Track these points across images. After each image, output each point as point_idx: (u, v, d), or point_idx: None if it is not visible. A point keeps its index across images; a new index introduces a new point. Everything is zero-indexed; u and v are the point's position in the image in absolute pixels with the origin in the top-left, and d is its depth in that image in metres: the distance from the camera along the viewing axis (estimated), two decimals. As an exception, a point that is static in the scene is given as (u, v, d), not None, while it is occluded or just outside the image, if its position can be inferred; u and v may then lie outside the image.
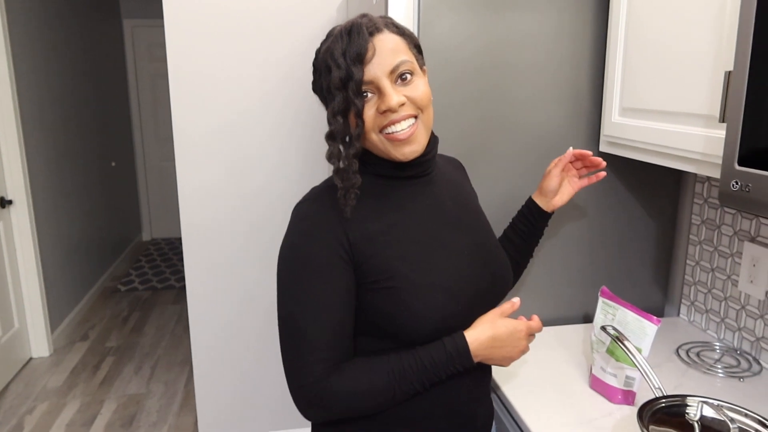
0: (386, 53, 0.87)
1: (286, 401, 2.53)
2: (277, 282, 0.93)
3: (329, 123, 0.89)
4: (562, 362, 1.34)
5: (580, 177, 1.26)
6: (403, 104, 0.88)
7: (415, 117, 0.91)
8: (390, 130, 0.89)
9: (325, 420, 0.93)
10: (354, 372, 0.89)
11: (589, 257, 1.54)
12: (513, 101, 1.42)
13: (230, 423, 2.50)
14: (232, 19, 2.18)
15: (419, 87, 0.90)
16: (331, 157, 0.90)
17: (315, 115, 2.32)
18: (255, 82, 2.24)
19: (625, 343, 1.07)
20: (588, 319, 1.58)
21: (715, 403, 0.91)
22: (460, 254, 0.96)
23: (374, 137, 0.90)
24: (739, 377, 1.27)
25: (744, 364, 1.33)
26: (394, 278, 0.89)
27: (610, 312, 1.18)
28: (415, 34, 1.36)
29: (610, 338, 1.14)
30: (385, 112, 0.88)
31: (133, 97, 5.52)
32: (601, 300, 1.21)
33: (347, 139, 0.90)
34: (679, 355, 1.37)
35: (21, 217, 3.19)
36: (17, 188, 3.15)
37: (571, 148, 1.23)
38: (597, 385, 1.21)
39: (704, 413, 0.91)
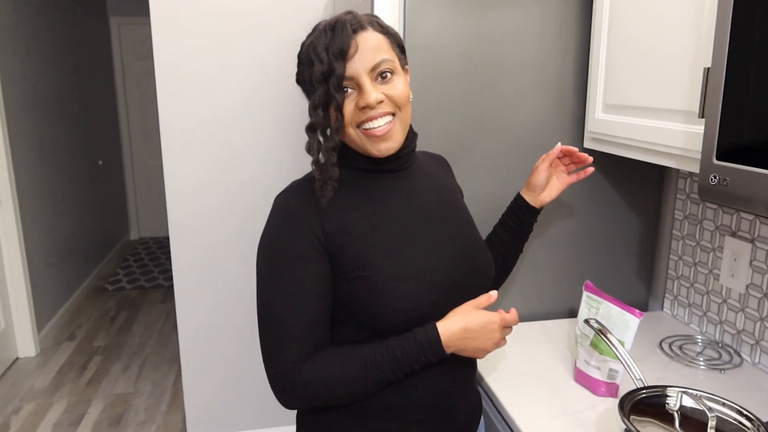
0: (368, 51, 0.89)
1: (274, 398, 2.54)
2: (256, 272, 0.95)
3: (310, 115, 0.91)
4: (547, 356, 1.36)
5: (569, 173, 1.27)
6: (381, 101, 0.90)
7: (393, 115, 0.93)
8: (367, 126, 0.91)
9: (300, 407, 0.95)
10: (327, 360, 0.91)
11: (574, 253, 1.56)
12: (499, 99, 1.44)
13: (219, 421, 2.50)
14: (219, 16, 2.18)
15: (398, 86, 0.92)
16: (310, 149, 0.92)
17: (301, 111, 2.32)
18: (242, 78, 2.24)
19: (609, 336, 1.09)
20: (573, 314, 1.60)
21: (695, 393, 0.93)
22: (435, 246, 0.98)
23: (352, 132, 0.92)
24: (721, 369, 1.29)
25: (725, 357, 1.35)
26: (368, 268, 0.91)
27: (594, 306, 1.20)
28: (401, 32, 1.37)
29: (593, 331, 1.15)
30: (363, 108, 0.90)
31: (120, 95, 5.48)
32: (585, 294, 1.23)
33: (327, 132, 0.92)
34: (662, 348, 1.39)
35: (7, 216, 3.16)
36: (3, 187, 3.12)
37: (559, 143, 1.24)
38: (581, 378, 1.22)
39: (684, 403, 0.93)
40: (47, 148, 3.75)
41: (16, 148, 3.27)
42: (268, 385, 2.51)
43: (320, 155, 0.92)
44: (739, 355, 1.35)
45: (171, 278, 4.64)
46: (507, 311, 1.00)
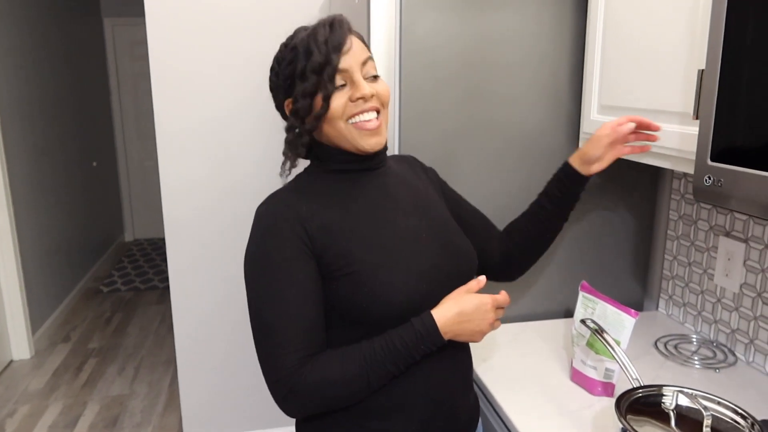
0: (359, 48, 0.96)
1: (270, 400, 2.54)
2: (245, 283, 0.96)
3: (295, 101, 0.95)
4: (544, 356, 1.36)
5: (624, 144, 1.16)
6: (373, 95, 0.95)
7: (378, 112, 0.97)
8: (358, 118, 0.95)
9: (304, 413, 0.94)
10: (326, 361, 0.91)
11: (571, 253, 1.57)
12: (494, 100, 1.44)
13: (215, 422, 2.50)
14: (214, 16, 2.18)
15: (383, 86, 0.98)
16: (289, 129, 0.98)
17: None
18: (237, 78, 2.24)
19: (604, 335, 1.10)
20: (569, 314, 1.60)
21: (690, 392, 0.94)
22: (417, 237, 0.99)
23: (341, 126, 0.95)
24: (715, 368, 1.30)
25: (720, 356, 1.36)
26: (354, 263, 0.93)
27: (590, 306, 1.21)
28: (397, 34, 1.38)
29: (589, 331, 1.16)
30: (357, 99, 0.94)
31: (115, 96, 5.47)
32: (581, 294, 1.24)
33: (305, 119, 0.96)
34: (657, 347, 1.40)
35: (1, 218, 3.14)
36: (-4, 188, 3.11)
37: (631, 124, 1.11)
38: (577, 377, 1.23)
39: (680, 402, 0.93)
40: (41, 149, 3.73)
41: (10, 149, 3.26)
42: (265, 386, 2.51)
43: (293, 134, 0.98)
44: (734, 354, 1.36)
45: (166, 279, 4.63)
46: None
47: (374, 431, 0.97)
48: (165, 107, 2.20)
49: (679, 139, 1.09)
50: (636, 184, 1.56)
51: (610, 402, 1.17)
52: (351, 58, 0.93)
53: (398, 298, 0.93)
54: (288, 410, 0.92)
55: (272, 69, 1.01)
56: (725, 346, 1.40)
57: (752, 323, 1.32)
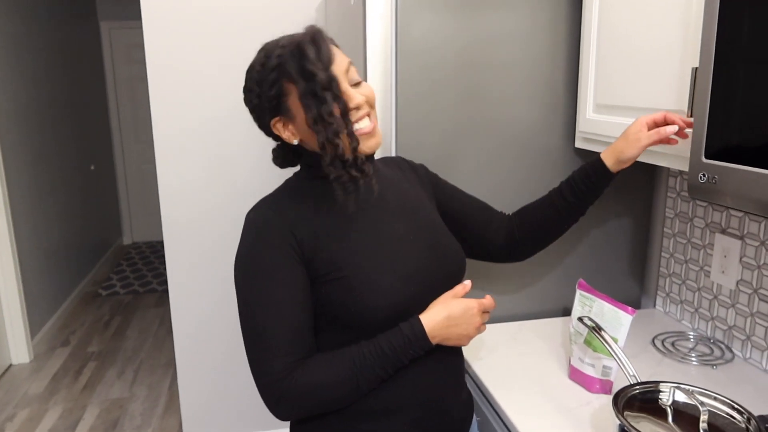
0: (340, 56, 0.95)
1: (271, 401, 2.54)
2: (236, 288, 0.97)
3: (315, 122, 0.89)
4: (542, 354, 1.37)
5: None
6: (364, 102, 0.95)
7: (368, 114, 0.97)
8: (357, 126, 0.94)
9: (294, 417, 0.95)
10: (316, 365, 0.91)
11: (568, 252, 1.58)
12: (491, 100, 1.45)
13: (214, 424, 2.50)
14: (211, 18, 2.18)
15: (368, 87, 0.98)
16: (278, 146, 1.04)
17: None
18: (235, 80, 2.24)
19: (602, 333, 1.10)
20: (567, 312, 1.61)
21: (687, 388, 0.94)
22: (404, 240, 1.00)
23: (342, 137, 0.92)
24: (712, 365, 1.31)
25: (717, 352, 1.37)
26: (343, 268, 0.93)
27: (587, 304, 1.21)
28: (393, 35, 1.38)
29: (587, 329, 1.16)
30: (352, 109, 0.93)
31: (112, 99, 5.46)
32: (578, 292, 1.24)
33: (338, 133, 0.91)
34: (654, 345, 1.40)
35: (-2, 222, 3.15)
36: (-6, 193, 3.11)
37: (675, 126, 1.05)
38: (576, 375, 1.23)
39: (677, 398, 0.94)
40: (39, 153, 3.73)
41: (8, 153, 3.26)
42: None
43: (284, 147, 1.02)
44: (731, 351, 1.37)
45: (165, 282, 4.62)
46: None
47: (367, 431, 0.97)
48: (162, 110, 2.20)
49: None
50: (632, 182, 1.57)
51: (608, 399, 1.17)
52: (337, 69, 0.93)
53: (385, 303, 0.93)
54: (278, 414, 0.93)
55: (251, 90, 0.97)
56: (722, 342, 1.40)
57: (749, 320, 1.33)
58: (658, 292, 1.63)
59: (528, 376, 1.27)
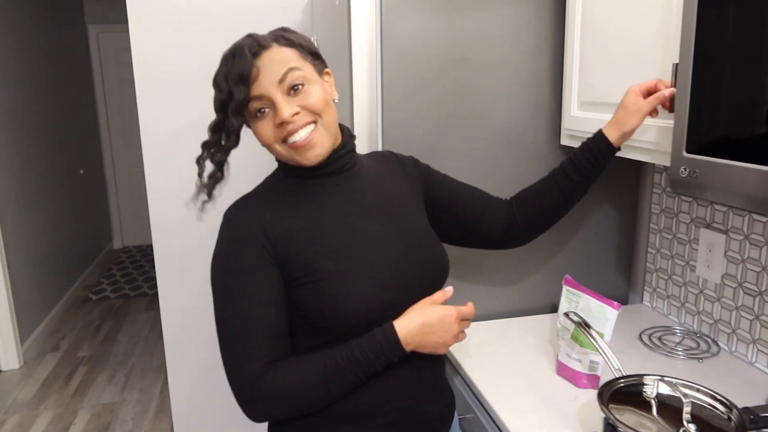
0: (273, 68, 0.91)
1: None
2: (211, 289, 0.96)
3: (209, 133, 0.97)
4: (530, 351, 1.38)
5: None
6: (297, 114, 0.92)
7: (314, 123, 0.94)
8: (290, 140, 0.93)
9: (266, 419, 0.94)
10: (288, 368, 0.91)
11: (555, 248, 1.59)
12: (476, 99, 1.46)
13: (205, 427, 2.49)
14: (197, 20, 2.18)
15: (313, 94, 0.93)
16: (199, 159, 1.02)
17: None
18: (222, 84, 2.24)
19: (588, 328, 1.11)
20: (556, 309, 1.62)
21: (671, 380, 0.95)
22: (383, 244, 0.98)
23: (278, 148, 0.95)
24: (699, 358, 1.32)
25: (703, 346, 1.38)
26: (318, 272, 0.92)
27: (573, 299, 1.22)
28: (378, 35, 1.38)
29: (574, 325, 1.17)
30: (281, 124, 0.92)
31: (101, 103, 5.44)
32: (565, 288, 1.25)
33: (212, 150, 0.99)
34: (642, 339, 1.42)
35: (-14, 227, 3.12)
36: (-19, 198, 3.09)
37: (671, 90, 1.03)
38: (563, 370, 1.24)
39: (660, 391, 0.95)
40: (26, 158, 3.71)
41: (-5, 158, 3.24)
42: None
43: (206, 162, 1.01)
44: (717, 344, 1.38)
45: (155, 286, 4.60)
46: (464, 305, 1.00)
47: None
48: (150, 113, 2.20)
49: (656, 133, 1.10)
50: (619, 179, 1.58)
51: (595, 394, 1.18)
52: (264, 82, 0.90)
53: (360, 307, 0.92)
54: (250, 415, 0.93)
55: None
56: (708, 336, 1.42)
57: (734, 313, 1.34)
58: (645, 287, 1.65)
59: (516, 372, 1.28)
